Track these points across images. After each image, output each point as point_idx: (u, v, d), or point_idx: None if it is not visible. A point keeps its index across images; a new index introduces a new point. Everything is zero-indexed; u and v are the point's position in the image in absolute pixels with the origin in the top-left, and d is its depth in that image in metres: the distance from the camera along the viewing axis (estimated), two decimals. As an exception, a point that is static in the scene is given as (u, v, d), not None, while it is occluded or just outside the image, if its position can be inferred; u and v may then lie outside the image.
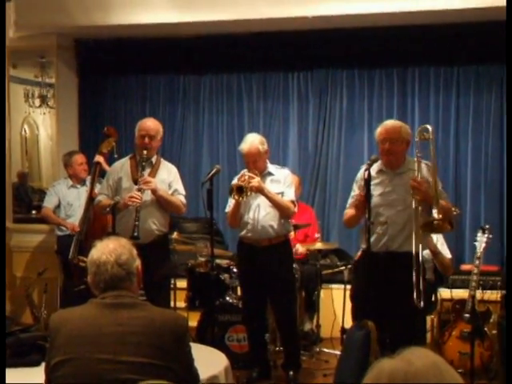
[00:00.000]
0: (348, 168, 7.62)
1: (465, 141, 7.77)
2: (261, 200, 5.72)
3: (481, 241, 6.08)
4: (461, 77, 7.77)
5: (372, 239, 4.94)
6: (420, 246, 4.88)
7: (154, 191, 5.72)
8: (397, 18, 7.19)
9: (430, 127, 5.10)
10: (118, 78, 8.75)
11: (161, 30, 7.81)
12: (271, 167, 5.90)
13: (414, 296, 4.71)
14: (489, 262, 6.92)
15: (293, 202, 5.83)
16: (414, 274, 4.72)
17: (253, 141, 5.82)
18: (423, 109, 7.88)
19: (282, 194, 5.79)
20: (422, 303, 4.73)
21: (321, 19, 7.24)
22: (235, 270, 6.59)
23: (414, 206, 4.83)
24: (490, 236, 6.12)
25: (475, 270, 5.96)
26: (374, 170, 5.07)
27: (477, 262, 6.00)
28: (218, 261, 6.53)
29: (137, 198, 5.57)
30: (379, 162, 5.10)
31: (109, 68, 8.62)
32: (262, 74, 8.34)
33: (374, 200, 4.97)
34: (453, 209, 6.45)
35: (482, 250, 6.04)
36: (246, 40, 8.02)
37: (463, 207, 7.64)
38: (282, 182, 5.83)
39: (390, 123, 5.19)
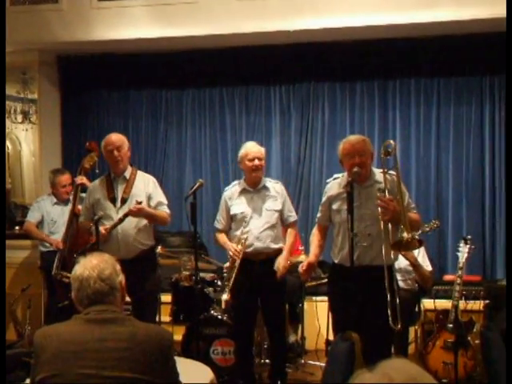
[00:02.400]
0: (330, 180, 7.66)
1: (446, 152, 7.83)
2: (255, 216, 5.77)
3: (463, 251, 6.11)
4: (441, 88, 7.84)
5: (344, 254, 4.95)
6: (392, 259, 4.91)
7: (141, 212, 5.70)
8: (377, 31, 7.25)
9: (393, 142, 5.07)
10: (101, 94, 8.76)
11: (143, 45, 7.84)
12: (265, 180, 5.93)
13: (390, 319, 4.68)
14: (471, 272, 6.98)
15: (296, 221, 5.99)
16: (388, 294, 4.69)
17: (255, 143, 5.99)
18: (404, 120, 7.94)
19: (281, 211, 5.85)
20: (399, 325, 4.70)
21: (302, 33, 7.30)
22: (219, 283, 6.62)
23: (382, 225, 4.80)
24: (473, 246, 6.15)
25: (458, 281, 5.99)
26: (340, 184, 5.05)
27: (459, 272, 6.04)
28: (202, 274, 6.53)
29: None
30: (345, 177, 5.04)
31: (91, 83, 8.65)
32: (244, 88, 8.39)
33: (342, 215, 4.94)
34: (433, 221, 6.53)
35: (464, 260, 6.07)
36: (228, 54, 8.07)
37: (445, 218, 7.69)
38: (279, 199, 5.86)
39: (353, 137, 5.12)
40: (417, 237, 4.77)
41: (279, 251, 5.85)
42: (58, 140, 8.67)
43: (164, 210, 5.87)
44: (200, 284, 6.10)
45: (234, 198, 5.87)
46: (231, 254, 5.81)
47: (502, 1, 6.03)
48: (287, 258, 5.76)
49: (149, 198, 5.80)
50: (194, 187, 5.54)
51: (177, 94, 8.59)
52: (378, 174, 5.00)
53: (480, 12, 6.72)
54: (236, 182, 6.03)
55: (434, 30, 7.20)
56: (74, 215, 6.48)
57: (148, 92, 8.66)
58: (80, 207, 6.29)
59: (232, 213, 5.85)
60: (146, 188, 5.84)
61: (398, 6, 6.95)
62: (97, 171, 6.61)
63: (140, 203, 5.57)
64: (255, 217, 5.78)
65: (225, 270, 6.49)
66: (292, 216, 5.95)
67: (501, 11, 6.28)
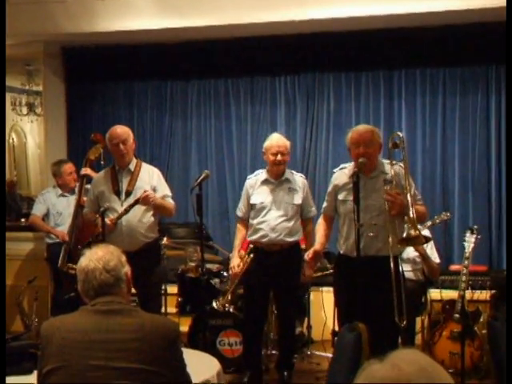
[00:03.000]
0: (336, 171, 7.64)
1: (452, 142, 7.80)
2: (274, 208, 5.78)
3: (469, 241, 6.11)
4: (447, 78, 7.81)
5: (349, 244, 4.98)
6: (398, 250, 4.89)
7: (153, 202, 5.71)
8: (382, 21, 7.22)
9: (401, 134, 5.07)
10: (106, 85, 8.75)
11: (147, 36, 7.82)
12: (288, 172, 5.92)
13: (396, 315, 4.68)
14: (477, 262, 6.97)
15: (315, 215, 5.91)
16: (394, 285, 4.68)
17: (281, 135, 6.00)
18: (410, 111, 7.91)
19: (301, 206, 5.84)
20: (404, 322, 4.71)
21: (307, 23, 7.27)
22: (225, 274, 6.62)
23: (389, 218, 4.78)
24: (479, 236, 6.16)
25: (464, 271, 5.99)
26: (346, 174, 5.07)
27: (466, 262, 6.03)
28: (208, 265, 6.54)
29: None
30: (351, 167, 5.05)
31: (96, 75, 8.63)
32: (249, 79, 8.37)
33: (348, 206, 4.96)
34: (444, 213, 6.53)
35: (470, 250, 6.07)
36: (233, 45, 8.05)
37: (451, 208, 7.66)
38: (300, 193, 5.85)
39: (361, 127, 5.15)
40: (427, 233, 4.76)
41: (294, 244, 5.85)
42: (63, 132, 8.67)
43: (170, 202, 5.90)
44: (206, 275, 6.10)
45: (255, 187, 5.88)
46: (230, 272, 6.00)
47: (508, -11, 6.00)
48: (313, 268, 5.70)
49: (154, 191, 5.79)
50: (200, 178, 5.53)
51: (182, 85, 8.57)
52: (385, 165, 5.00)
53: (486, 1, 6.69)
54: (260, 170, 6.02)
55: (439, 19, 7.16)
56: (79, 207, 6.48)
57: (153, 83, 8.65)
58: (85, 199, 6.30)
59: (252, 202, 5.87)
60: (150, 180, 5.85)
61: (404, -5, 6.93)
62: (102, 163, 6.61)
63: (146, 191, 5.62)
64: (274, 208, 5.79)
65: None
66: (311, 211, 5.93)
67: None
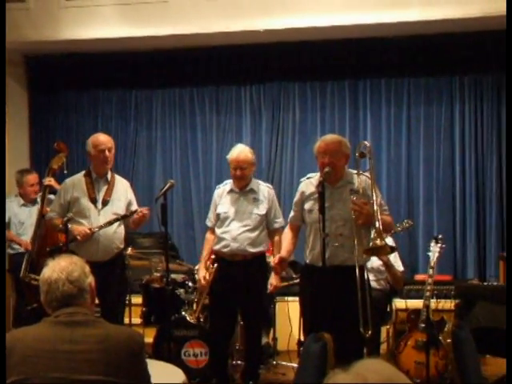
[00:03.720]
0: (302, 180, 7.65)
1: (416, 151, 7.87)
2: (237, 218, 5.76)
3: (434, 251, 6.12)
4: (411, 88, 7.88)
5: (315, 254, 4.97)
6: (364, 260, 4.89)
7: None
8: (347, 32, 7.27)
9: (368, 143, 5.10)
10: (69, 94, 8.68)
11: (112, 45, 7.77)
12: (254, 183, 5.89)
13: (361, 324, 4.68)
14: (442, 271, 7.01)
15: (283, 227, 5.78)
16: (359, 295, 4.68)
17: (243, 148, 5.89)
18: (375, 120, 7.96)
19: (267, 217, 5.80)
20: (369, 332, 4.71)
21: (271, 33, 7.29)
22: (190, 284, 6.58)
23: (355, 228, 4.79)
24: (443, 245, 6.18)
25: (429, 280, 6.00)
26: (313, 184, 5.07)
27: (430, 271, 6.05)
28: (173, 275, 6.49)
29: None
30: (317, 176, 5.05)
31: (59, 83, 8.57)
32: (214, 88, 8.36)
33: (314, 215, 4.94)
34: (406, 221, 6.55)
35: (435, 259, 6.08)
36: (198, 54, 8.05)
37: (416, 217, 7.71)
38: (265, 202, 5.81)
39: (329, 137, 5.14)
40: (390, 242, 4.77)
41: (259, 255, 5.82)
42: (25, 141, 8.58)
43: None
44: (171, 285, 6.06)
45: (222, 196, 5.87)
46: (198, 285, 6.02)
47: (472, 1, 6.08)
48: (279, 274, 5.66)
49: (129, 204, 5.86)
50: (165, 188, 5.50)
51: (147, 94, 8.54)
52: (352, 175, 5.01)
53: (450, 12, 6.75)
54: (228, 180, 5.99)
55: (403, 29, 7.22)
56: (42, 217, 6.41)
57: (117, 92, 8.60)
58: (48, 209, 6.23)
59: (217, 211, 5.86)
60: (125, 193, 5.91)
61: (367, 6, 6.97)
62: (65, 172, 6.54)
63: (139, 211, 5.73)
64: (237, 218, 5.77)
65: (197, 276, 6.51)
66: (277, 222, 5.86)
67: (471, 11, 6.36)
